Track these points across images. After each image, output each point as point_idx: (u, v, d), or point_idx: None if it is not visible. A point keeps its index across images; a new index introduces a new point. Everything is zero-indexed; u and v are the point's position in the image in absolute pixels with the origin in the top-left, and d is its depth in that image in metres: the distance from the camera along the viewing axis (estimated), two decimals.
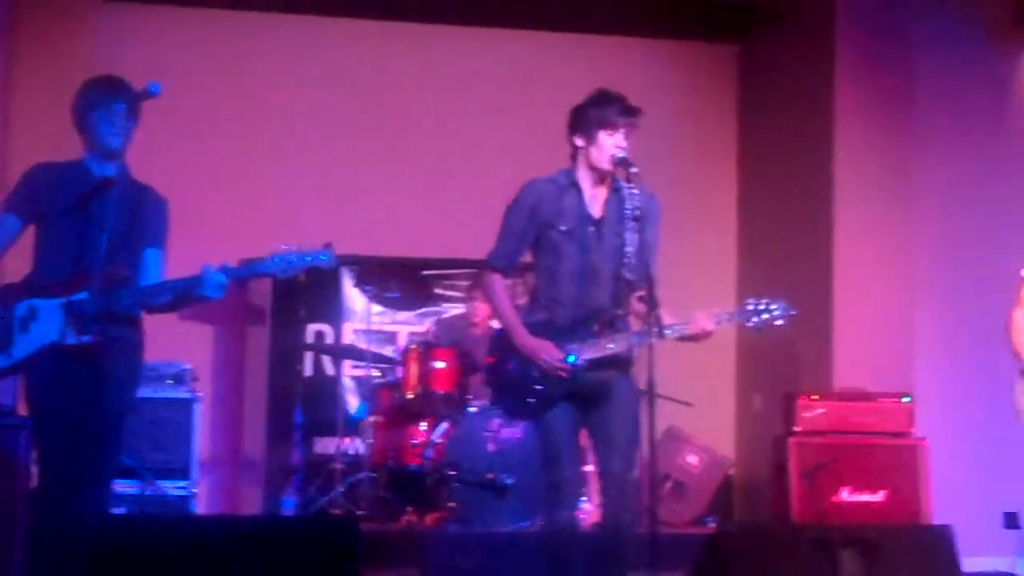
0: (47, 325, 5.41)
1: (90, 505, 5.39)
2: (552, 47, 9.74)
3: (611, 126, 5.78)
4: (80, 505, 5.29)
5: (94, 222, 5.39)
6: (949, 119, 9.10)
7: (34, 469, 5.97)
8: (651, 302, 5.64)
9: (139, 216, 5.62)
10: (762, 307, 5.92)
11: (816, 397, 8.31)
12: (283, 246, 5.55)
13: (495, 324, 7.05)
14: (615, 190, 5.84)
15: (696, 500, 9.08)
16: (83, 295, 5.36)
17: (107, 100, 5.55)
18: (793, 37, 9.62)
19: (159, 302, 5.58)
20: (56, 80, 7.65)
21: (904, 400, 8.26)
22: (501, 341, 5.96)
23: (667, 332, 5.68)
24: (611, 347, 5.77)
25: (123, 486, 7.52)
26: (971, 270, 8.50)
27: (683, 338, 5.80)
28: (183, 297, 5.56)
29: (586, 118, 5.82)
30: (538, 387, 5.75)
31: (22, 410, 6.55)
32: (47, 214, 5.56)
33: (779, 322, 5.95)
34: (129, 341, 5.62)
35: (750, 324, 5.96)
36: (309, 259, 5.57)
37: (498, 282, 5.89)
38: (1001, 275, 7.01)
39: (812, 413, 8.21)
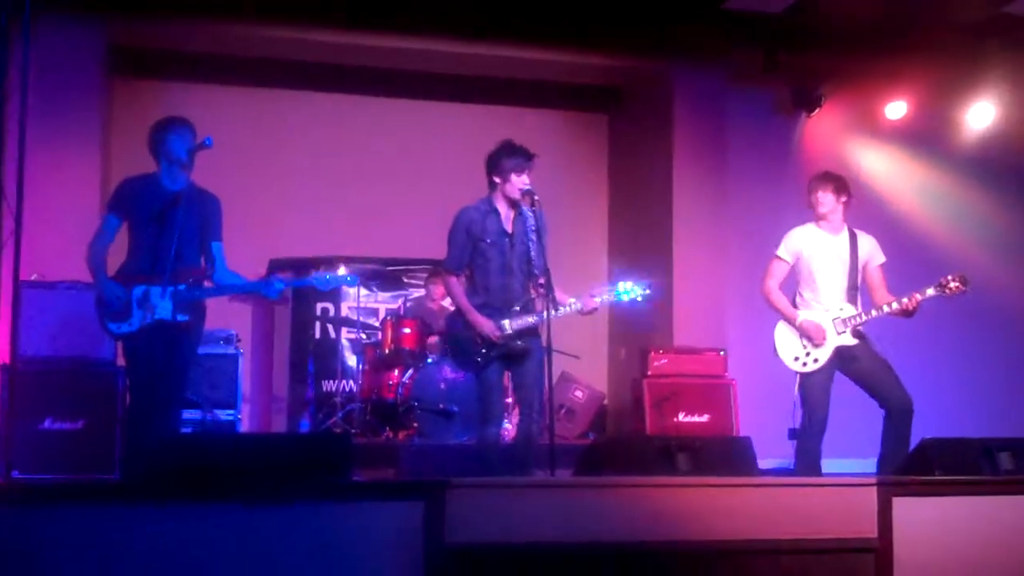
0: (159, 306, 5.38)
1: (168, 426, 5.44)
2: (467, 115, 9.67)
3: (520, 168, 5.82)
4: (162, 425, 5.36)
5: (172, 228, 5.35)
6: (750, 165, 9.19)
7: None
8: (549, 288, 5.71)
9: (205, 217, 5.59)
10: (629, 289, 6.02)
11: (662, 351, 8.34)
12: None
13: (447, 305, 7.06)
14: (519, 213, 5.88)
15: (581, 421, 9.09)
16: (183, 287, 5.37)
17: (171, 126, 5.53)
18: (645, 110, 9.65)
19: (234, 293, 5.61)
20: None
21: (720, 353, 8.33)
22: (455, 319, 5.98)
23: (562, 308, 5.77)
24: (529, 321, 5.82)
25: (190, 414, 7.44)
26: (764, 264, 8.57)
27: (580, 313, 5.89)
28: (251, 293, 5.59)
29: (501, 163, 5.86)
30: (482, 350, 5.78)
31: (119, 362, 6.54)
32: (133, 217, 5.51)
33: (639, 299, 6.03)
34: (200, 322, 5.65)
35: (620, 300, 6.04)
36: (342, 280, 5.90)
37: (454, 281, 5.95)
38: None
39: (659, 362, 8.25)
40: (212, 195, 5.69)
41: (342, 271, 5.92)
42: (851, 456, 6.55)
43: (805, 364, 6.25)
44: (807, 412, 6.21)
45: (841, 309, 6.23)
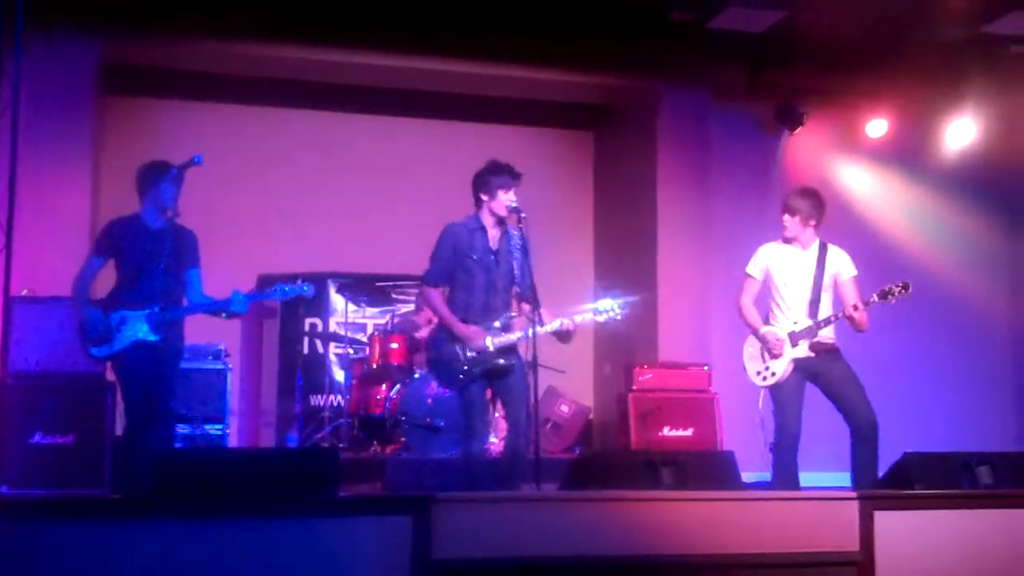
0: (135, 328, 5.75)
1: (160, 440, 5.71)
2: (454, 132, 9.67)
3: (506, 186, 5.85)
4: (154, 439, 5.66)
5: (151, 262, 5.75)
6: (734, 181, 9.21)
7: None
8: (535, 304, 5.72)
9: (181, 249, 5.89)
10: (607, 307, 6.06)
11: (646, 366, 8.32)
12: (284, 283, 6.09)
13: (431, 324, 7.05)
14: (504, 232, 5.90)
15: (567, 435, 9.07)
16: (156, 309, 5.73)
17: (163, 176, 5.83)
18: (630, 128, 9.67)
19: (204, 312, 5.95)
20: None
21: (704, 368, 8.32)
22: (437, 335, 5.99)
23: (548, 326, 5.78)
24: (511, 339, 5.83)
25: (180, 428, 7.40)
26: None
27: (557, 337, 5.90)
28: (220, 310, 5.92)
29: (488, 181, 5.88)
30: (465, 367, 5.78)
31: (109, 377, 6.56)
32: (118, 255, 5.88)
33: (617, 316, 6.05)
34: (178, 339, 5.94)
35: (599, 319, 6.05)
36: (298, 290, 6.01)
37: (435, 293, 5.95)
38: None
39: (644, 377, 8.22)
40: (188, 230, 6.00)
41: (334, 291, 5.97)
42: (833, 469, 6.56)
43: (765, 379, 6.34)
44: (779, 425, 6.25)
45: (795, 323, 6.28)
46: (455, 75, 9.01)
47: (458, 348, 5.82)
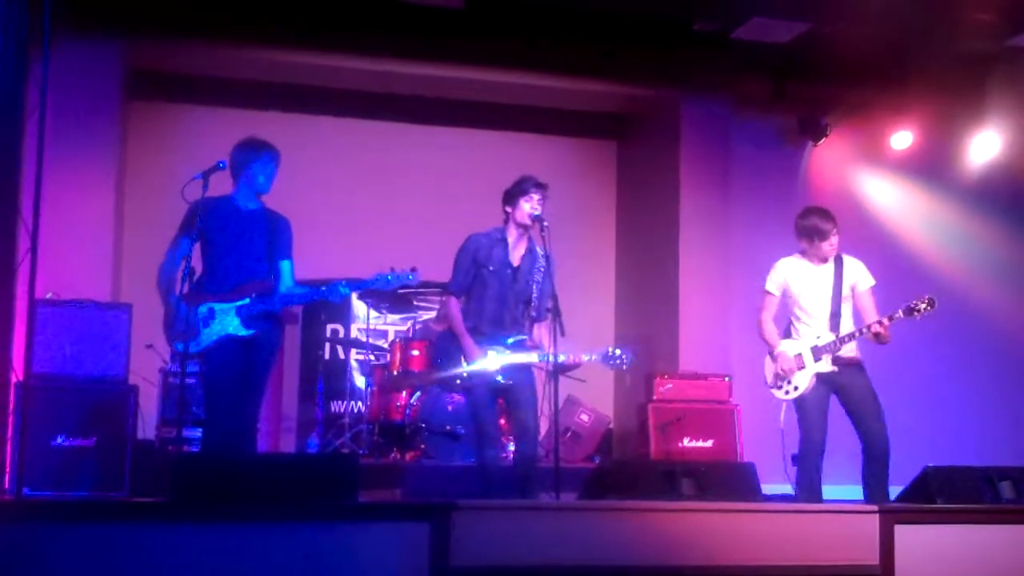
0: (224, 322, 5.41)
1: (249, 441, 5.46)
2: (478, 140, 9.65)
3: (528, 195, 5.86)
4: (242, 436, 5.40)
5: (243, 247, 5.45)
6: (756, 192, 9.17)
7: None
8: (556, 313, 5.70)
9: (274, 237, 5.60)
10: (617, 355, 5.96)
11: (667, 376, 8.30)
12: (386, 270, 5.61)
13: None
14: (529, 249, 5.91)
15: (587, 444, 9.02)
16: (246, 300, 5.39)
17: (257, 155, 5.55)
18: (653, 138, 9.64)
19: (302, 303, 5.66)
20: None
21: (725, 379, 8.29)
22: (445, 339, 6.02)
23: (559, 356, 5.72)
24: (517, 359, 5.86)
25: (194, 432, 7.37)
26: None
27: (563, 369, 5.87)
28: (318, 301, 5.61)
29: (512, 193, 5.91)
30: (464, 374, 5.81)
31: (132, 380, 6.58)
32: (205, 237, 5.46)
33: (624, 367, 6.00)
34: (272, 332, 5.61)
35: (607, 365, 6.00)
36: (402, 278, 5.59)
37: (454, 303, 6.00)
38: None
39: (664, 387, 8.20)
40: (283, 217, 5.73)
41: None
42: (854, 483, 6.51)
43: (788, 392, 6.30)
44: (804, 437, 6.21)
45: (818, 337, 6.24)
46: (478, 84, 9.01)
47: (461, 356, 5.86)
